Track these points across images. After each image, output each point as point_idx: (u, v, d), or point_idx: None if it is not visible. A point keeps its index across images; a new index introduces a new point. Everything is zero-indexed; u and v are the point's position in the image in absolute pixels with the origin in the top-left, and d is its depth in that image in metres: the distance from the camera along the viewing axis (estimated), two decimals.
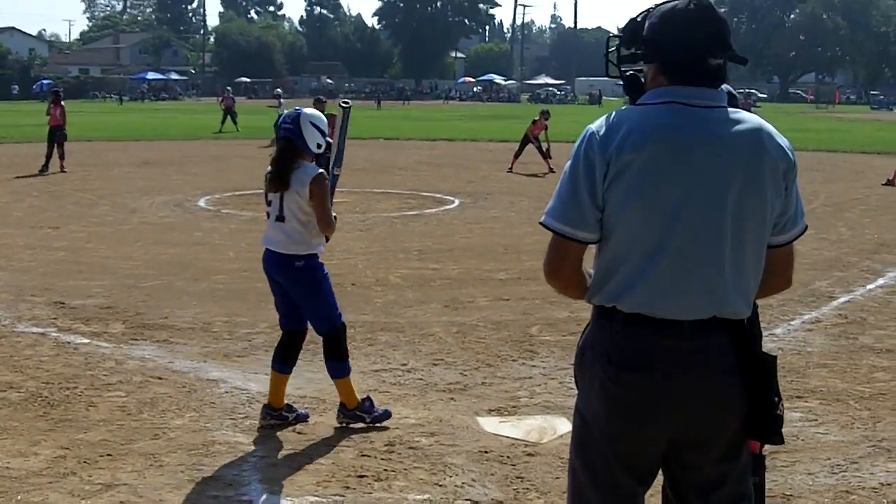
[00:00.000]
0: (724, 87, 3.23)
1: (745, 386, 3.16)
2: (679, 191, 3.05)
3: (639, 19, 3.24)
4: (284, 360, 6.60)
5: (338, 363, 6.48)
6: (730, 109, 3.17)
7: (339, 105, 6.72)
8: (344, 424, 6.55)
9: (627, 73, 3.32)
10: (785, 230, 3.22)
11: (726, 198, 3.06)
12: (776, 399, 3.21)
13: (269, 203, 6.37)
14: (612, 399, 3.17)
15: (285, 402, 6.67)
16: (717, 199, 3.06)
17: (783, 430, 3.27)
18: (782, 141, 3.17)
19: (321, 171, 6.32)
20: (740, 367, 3.15)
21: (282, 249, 6.35)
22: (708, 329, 3.11)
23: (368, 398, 6.70)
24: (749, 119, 3.16)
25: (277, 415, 6.58)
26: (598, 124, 3.15)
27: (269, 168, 6.38)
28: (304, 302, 6.45)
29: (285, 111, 7.17)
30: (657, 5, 3.22)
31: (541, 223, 3.21)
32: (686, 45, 3.10)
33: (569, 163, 3.17)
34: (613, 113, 3.15)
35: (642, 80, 3.26)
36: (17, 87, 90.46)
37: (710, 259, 3.09)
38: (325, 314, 6.41)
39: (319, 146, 6.38)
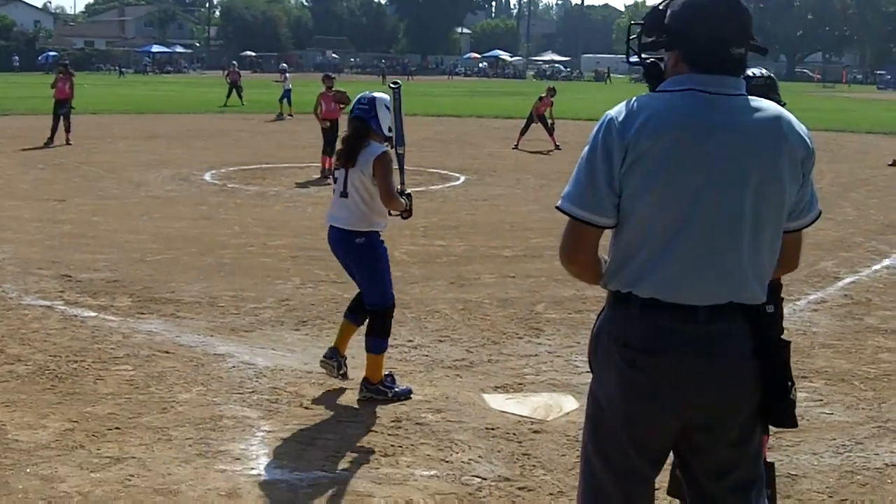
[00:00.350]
0: (763, 72, 3.21)
1: (761, 370, 3.18)
2: (697, 178, 3.05)
3: (661, 7, 3.23)
4: (354, 310, 6.94)
5: (378, 339, 6.65)
6: (750, 98, 3.16)
7: (389, 86, 6.89)
8: (367, 398, 6.60)
9: (648, 61, 3.33)
10: (801, 216, 3.25)
11: (745, 185, 3.07)
12: (789, 384, 3.23)
13: (335, 180, 6.68)
14: (628, 383, 3.18)
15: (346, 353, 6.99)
16: (735, 186, 3.07)
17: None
18: (801, 129, 3.18)
19: (386, 149, 6.54)
20: (756, 352, 3.17)
21: (344, 226, 6.61)
22: (724, 314, 3.13)
23: (391, 374, 6.80)
24: (769, 107, 3.17)
25: (335, 358, 6.91)
26: (617, 110, 3.14)
27: (339, 145, 6.64)
28: (361, 276, 6.72)
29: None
30: None
31: (557, 207, 3.21)
32: (709, 34, 3.10)
33: (587, 147, 3.17)
34: (634, 99, 3.15)
35: (662, 67, 3.27)
36: (17, 58, 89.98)
37: (728, 245, 3.09)
38: (378, 290, 6.64)
39: (391, 129, 6.58)
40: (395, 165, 6.62)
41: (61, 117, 24.45)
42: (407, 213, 6.72)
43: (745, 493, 3.32)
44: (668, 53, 3.23)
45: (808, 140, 3.18)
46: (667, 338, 3.12)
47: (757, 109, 3.14)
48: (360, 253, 6.63)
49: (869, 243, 13.05)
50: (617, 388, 3.22)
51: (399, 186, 6.67)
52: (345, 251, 6.69)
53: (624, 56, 3.44)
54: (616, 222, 3.16)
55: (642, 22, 3.32)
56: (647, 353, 3.13)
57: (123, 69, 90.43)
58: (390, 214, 6.77)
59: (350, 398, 6.65)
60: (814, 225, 3.33)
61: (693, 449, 3.30)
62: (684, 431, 3.24)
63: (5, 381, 6.79)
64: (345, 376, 6.94)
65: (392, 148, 6.63)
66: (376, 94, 6.75)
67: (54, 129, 24.37)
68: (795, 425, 3.33)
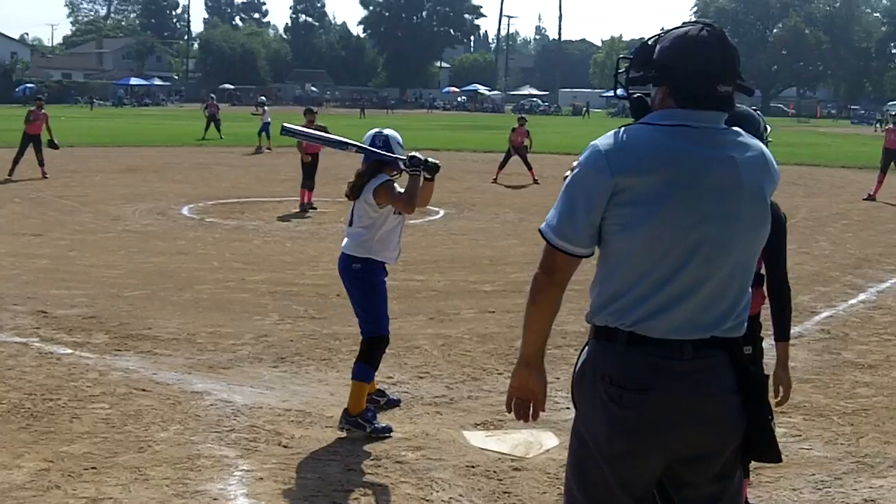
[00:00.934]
0: (746, 109, 3.27)
1: (743, 405, 3.19)
2: (690, 213, 3.08)
3: (650, 43, 3.27)
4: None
5: (365, 366, 6.71)
6: (734, 131, 3.22)
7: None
8: (344, 431, 6.59)
9: (635, 96, 3.35)
10: None
11: (737, 220, 3.12)
12: (769, 417, 3.24)
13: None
14: (614, 421, 3.16)
15: (377, 386, 7.26)
16: (727, 220, 3.10)
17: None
18: (773, 161, 3.28)
19: (387, 178, 6.78)
20: (737, 386, 3.19)
21: (345, 250, 6.87)
22: (708, 349, 3.15)
23: (372, 409, 6.78)
24: (752, 142, 3.24)
25: (369, 397, 6.97)
26: (604, 142, 3.15)
27: (352, 179, 6.87)
28: (355, 302, 6.86)
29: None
30: (669, 30, 3.25)
31: (539, 230, 3.26)
32: (697, 70, 3.12)
33: (571, 176, 3.20)
34: (622, 130, 3.17)
35: (648, 102, 3.29)
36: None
37: (716, 279, 3.13)
38: (370, 319, 6.77)
39: (404, 162, 6.74)
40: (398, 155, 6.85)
41: (27, 151, 24.34)
42: (427, 169, 6.73)
43: None
44: (656, 88, 3.25)
45: (777, 175, 3.29)
46: (653, 374, 3.12)
47: (744, 145, 3.20)
48: (355, 279, 6.79)
49: (845, 277, 13.11)
50: (603, 426, 3.19)
51: (403, 156, 6.80)
52: (343, 276, 6.88)
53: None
54: (592, 253, 3.22)
55: (630, 56, 3.34)
56: (634, 391, 3.12)
57: (96, 101, 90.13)
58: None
59: (329, 436, 6.61)
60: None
61: (676, 483, 3.28)
62: (669, 465, 3.23)
63: None
64: (392, 403, 7.27)
65: (405, 171, 6.82)
66: (388, 133, 6.94)
67: (16, 161, 24.26)
68: (780, 460, 3.31)
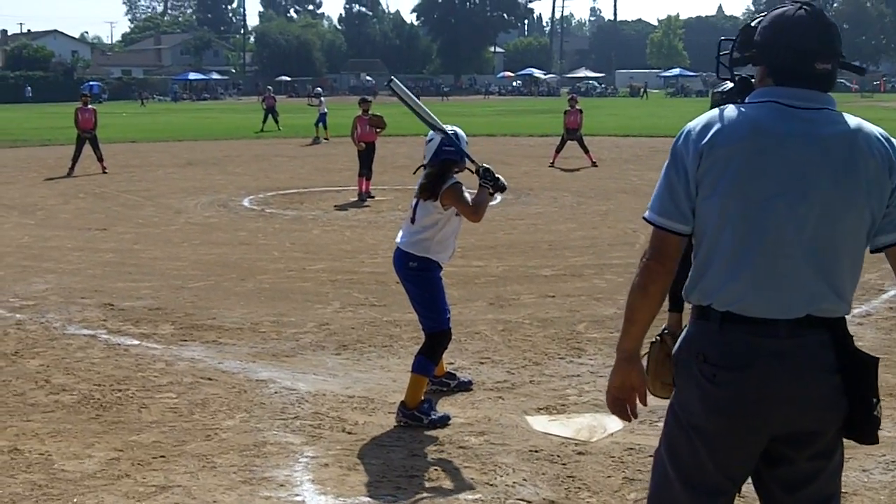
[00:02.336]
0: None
1: (845, 385, 3.15)
2: (765, 188, 3.09)
3: (753, 24, 3.32)
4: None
5: (424, 359, 6.70)
6: (834, 112, 3.18)
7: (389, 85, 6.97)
8: (402, 423, 6.60)
9: (737, 77, 3.42)
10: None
11: (814, 197, 3.08)
12: (874, 400, 3.19)
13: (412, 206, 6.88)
14: (709, 398, 3.18)
15: (447, 369, 7.44)
16: (804, 196, 3.08)
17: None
18: (885, 141, 3.17)
19: (456, 181, 6.73)
20: (839, 366, 3.14)
21: (402, 245, 6.85)
22: (805, 328, 3.12)
23: (428, 400, 6.81)
24: (849, 121, 3.17)
25: (439, 381, 7.29)
26: (696, 121, 3.23)
27: (423, 180, 6.82)
28: (413, 299, 6.90)
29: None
30: (770, 10, 3.28)
31: (644, 218, 3.31)
32: (794, 49, 3.15)
33: (667, 158, 3.26)
34: (716, 110, 3.23)
35: (751, 83, 3.34)
36: (30, 89, 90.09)
37: (798, 256, 3.10)
38: (430, 314, 6.78)
39: (479, 171, 6.65)
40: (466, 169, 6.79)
41: (86, 147, 24.72)
42: (494, 186, 6.65)
43: None
44: (757, 68, 3.30)
45: (892, 151, 3.16)
46: (748, 353, 3.12)
47: (835, 122, 3.16)
48: (413, 277, 6.79)
49: None
50: (698, 403, 3.22)
51: (474, 166, 6.69)
52: (400, 272, 6.89)
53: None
54: (693, 229, 3.23)
55: (733, 39, 3.43)
56: (728, 369, 3.13)
57: (155, 97, 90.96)
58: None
59: (392, 422, 6.64)
60: None
61: (772, 460, 3.27)
62: (775, 445, 3.22)
63: (51, 412, 6.85)
64: (462, 385, 7.40)
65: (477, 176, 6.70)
66: (456, 130, 6.91)
67: (75, 160, 24.64)
68: (876, 441, 3.28)
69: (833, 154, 3.09)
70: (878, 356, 3.24)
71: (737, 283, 3.12)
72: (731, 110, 3.20)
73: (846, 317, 3.22)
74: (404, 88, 6.75)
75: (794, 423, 3.16)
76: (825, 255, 3.11)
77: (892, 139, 3.20)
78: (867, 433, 3.21)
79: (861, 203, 3.10)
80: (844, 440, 3.29)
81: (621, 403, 3.43)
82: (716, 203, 3.12)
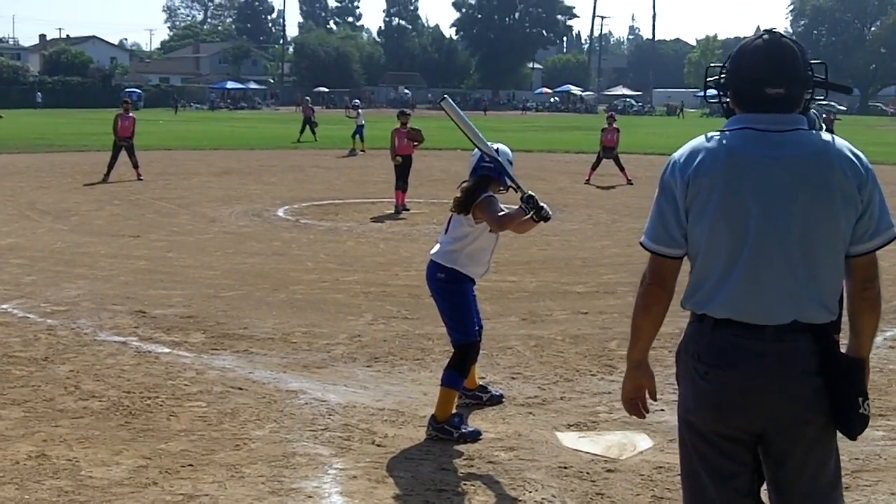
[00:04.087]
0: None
1: (827, 386, 3.40)
2: (745, 207, 3.37)
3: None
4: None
5: (453, 373, 6.68)
6: (804, 132, 3.43)
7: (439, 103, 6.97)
8: (432, 437, 6.57)
9: (727, 99, 3.62)
10: (865, 240, 3.44)
11: (792, 212, 3.34)
12: (860, 399, 3.43)
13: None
14: (700, 393, 3.51)
15: (479, 382, 7.41)
16: (782, 213, 3.35)
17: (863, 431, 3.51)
18: (854, 158, 3.40)
19: (490, 195, 6.68)
20: (821, 369, 3.40)
21: (433, 257, 6.86)
22: (789, 332, 3.39)
23: (459, 414, 6.79)
24: (819, 140, 3.43)
25: (471, 395, 7.28)
26: (680, 152, 3.53)
27: (458, 193, 6.78)
28: (441, 311, 6.88)
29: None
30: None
31: (640, 244, 3.65)
32: (745, 76, 3.46)
33: (657, 188, 3.56)
34: (696, 140, 3.52)
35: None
36: (41, 95, 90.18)
37: (780, 269, 3.37)
38: (457, 327, 6.76)
39: (522, 197, 6.51)
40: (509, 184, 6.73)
41: (121, 154, 24.91)
42: (537, 215, 6.49)
43: (825, 500, 3.55)
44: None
45: (861, 166, 3.40)
46: (735, 353, 3.42)
47: (805, 143, 3.41)
48: (441, 289, 6.79)
49: None
50: (693, 398, 3.55)
51: (518, 191, 6.56)
52: (430, 284, 6.88)
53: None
54: (686, 251, 3.53)
55: (721, 64, 3.63)
56: (717, 367, 3.45)
57: (192, 105, 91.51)
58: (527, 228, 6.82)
59: (422, 436, 6.61)
60: (890, 260, 3.43)
61: (770, 452, 3.53)
62: (761, 436, 3.51)
63: (80, 418, 6.86)
64: (494, 399, 7.37)
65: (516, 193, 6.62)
66: (500, 147, 6.86)
67: (111, 166, 24.83)
68: (853, 437, 3.50)
69: (805, 172, 3.36)
70: (858, 357, 3.52)
71: (727, 295, 3.41)
72: (709, 140, 3.48)
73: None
74: (455, 107, 6.71)
75: (775, 419, 3.43)
76: (807, 266, 3.38)
77: (861, 155, 3.44)
78: (853, 428, 3.45)
79: (837, 216, 3.36)
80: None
81: (635, 403, 3.79)
82: (705, 227, 3.42)
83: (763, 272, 3.37)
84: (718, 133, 3.49)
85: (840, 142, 3.44)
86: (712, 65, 3.74)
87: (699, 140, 3.49)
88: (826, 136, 3.44)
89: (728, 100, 3.58)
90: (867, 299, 3.51)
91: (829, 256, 3.40)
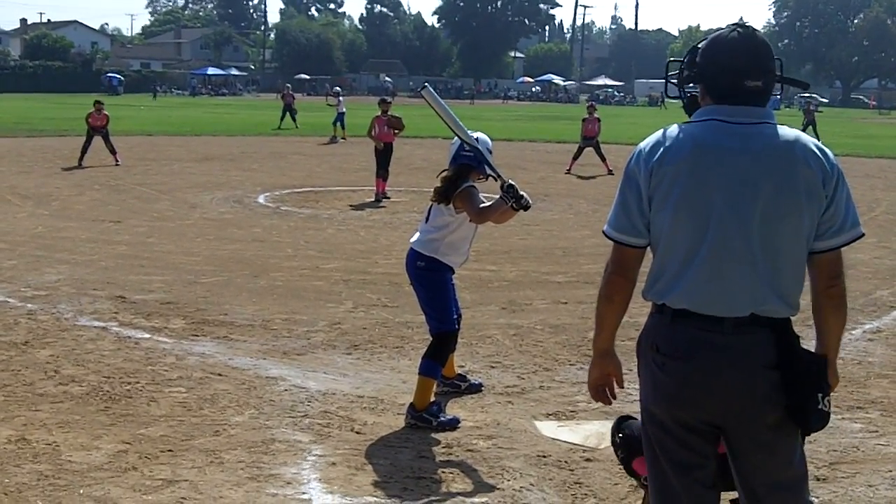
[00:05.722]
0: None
1: (784, 381, 3.40)
2: (711, 198, 3.36)
3: (698, 46, 3.60)
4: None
5: (430, 362, 6.70)
6: (772, 125, 3.43)
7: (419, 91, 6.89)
8: (410, 425, 6.60)
9: (687, 94, 3.69)
10: (832, 236, 3.44)
11: (755, 205, 3.34)
12: (819, 395, 3.42)
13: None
14: (657, 383, 3.53)
15: (457, 371, 7.45)
16: (745, 205, 3.34)
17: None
18: (820, 152, 3.41)
19: (471, 184, 6.70)
20: (779, 363, 3.40)
21: (414, 246, 6.87)
22: (748, 325, 3.39)
23: (437, 403, 6.81)
24: (786, 134, 3.43)
25: (450, 383, 7.32)
26: (646, 142, 3.52)
27: (437, 183, 6.79)
28: (420, 299, 6.92)
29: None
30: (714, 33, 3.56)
31: (602, 232, 3.63)
32: (724, 68, 3.44)
33: (622, 177, 3.57)
34: (663, 129, 3.50)
35: (699, 99, 3.59)
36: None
37: (741, 261, 3.37)
38: (435, 316, 6.79)
39: (503, 186, 6.45)
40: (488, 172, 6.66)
41: (98, 140, 24.89)
42: (517, 204, 6.41)
43: (789, 493, 3.55)
44: (699, 86, 3.58)
45: (826, 162, 3.40)
46: (693, 345, 3.42)
47: (773, 136, 3.41)
48: (420, 277, 6.81)
49: None
50: (651, 390, 3.58)
51: (499, 180, 6.47)
52: (410, 272, 6.89)
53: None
54: (649, 241, 3.53)
55: (680, 59, 3.71)
56: (675, 359, 3.45)
57: (173, 90, 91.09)
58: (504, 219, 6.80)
59: (401, 424, 6.64)
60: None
61: (731, 451, 3.55)
62: (723, 430, 3.52)
63: (60, 402, 6.87)
64: (473, 388, 7.40)
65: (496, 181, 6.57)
66: (480, 136, 6.84)
67: (84, 151, 24.82)
68: (808, 433, 3.54)
69: (772, 164, 3.36)
70: (821, 354, 3.52)
71: (686, 285, 3.41)
72: (676, 130, 3.48)
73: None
74: (435, 95, 6.64)
75: (733, 411, 3.43)
76: (768, 259, 3.38)
77: (827, 151, 3.45)
78: (811, 424, 3.46)
79: (801, 210, 3.36)
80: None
81: (602, 390, 3.82)
82: (668, 216, 3.41)
83: (724, 264, 3.36)
84: (685, 124, 3.50)
85: (806, 136, 3.46)
86: (672, 59, 3.79)
87: (665, 130, 3.48)
88: (793, 130, 3.45)
89: (690, 93, 3.62)
90: (832, 297, 3.50)
91: (792, 251, 3.39)
